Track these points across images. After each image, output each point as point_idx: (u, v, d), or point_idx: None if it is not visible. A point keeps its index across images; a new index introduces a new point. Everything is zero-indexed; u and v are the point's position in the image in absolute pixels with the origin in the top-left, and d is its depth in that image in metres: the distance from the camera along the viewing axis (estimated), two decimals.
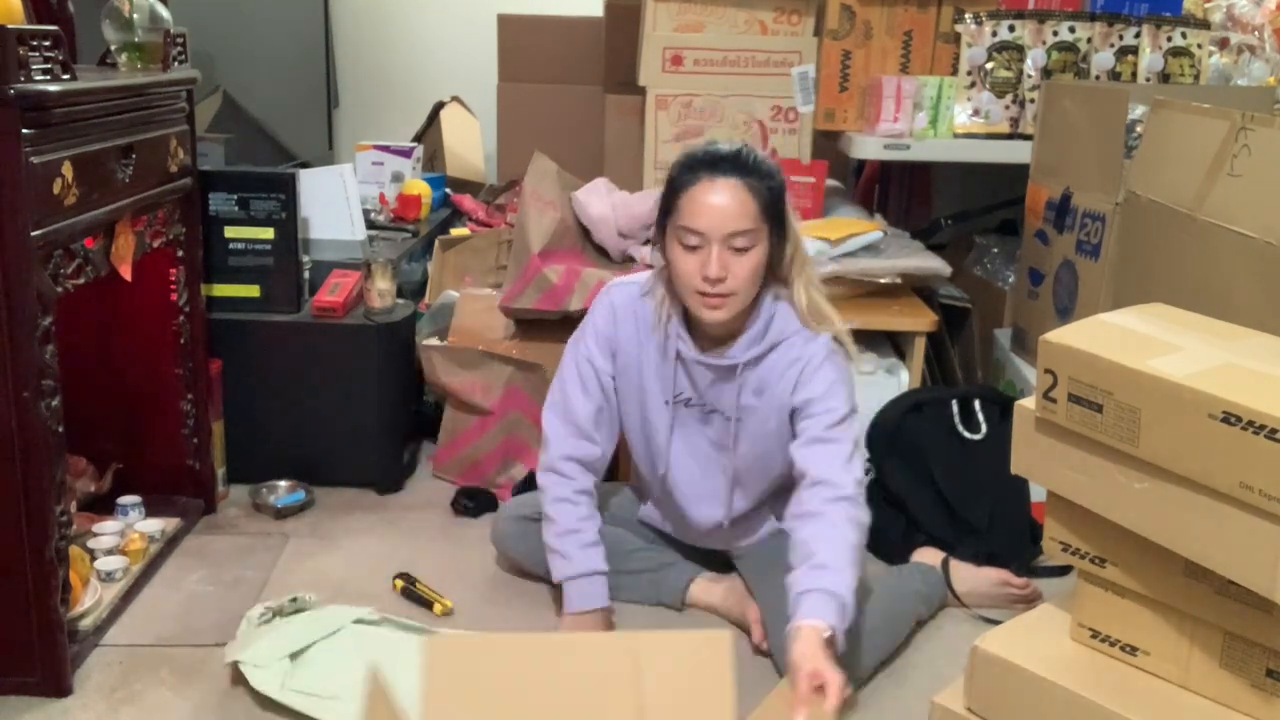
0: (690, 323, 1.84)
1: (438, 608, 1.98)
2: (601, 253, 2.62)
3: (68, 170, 1.65)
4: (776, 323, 1.81)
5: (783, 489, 1.91)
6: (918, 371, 2.45)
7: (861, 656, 1.80)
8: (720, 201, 1.69)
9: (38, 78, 1.57)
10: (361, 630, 1.84)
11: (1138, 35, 2.79)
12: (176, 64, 2.09)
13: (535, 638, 1.16)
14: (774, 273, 1.81)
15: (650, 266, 2.06)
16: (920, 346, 2.42)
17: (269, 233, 2.42)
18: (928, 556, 2.11)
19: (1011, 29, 2.76)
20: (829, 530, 1.66)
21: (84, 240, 1.76)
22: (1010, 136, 2.78)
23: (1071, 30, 2.78)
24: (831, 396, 1.77)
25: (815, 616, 1.54)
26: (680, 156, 1.78)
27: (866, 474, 2.24)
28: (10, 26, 1.53)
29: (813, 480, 1.73)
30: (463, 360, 2.52)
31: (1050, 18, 2.78)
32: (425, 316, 2.70)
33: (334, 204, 2.72)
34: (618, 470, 2.47)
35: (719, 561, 2.06)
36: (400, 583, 2.05)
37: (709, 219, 1.69)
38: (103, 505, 2.22)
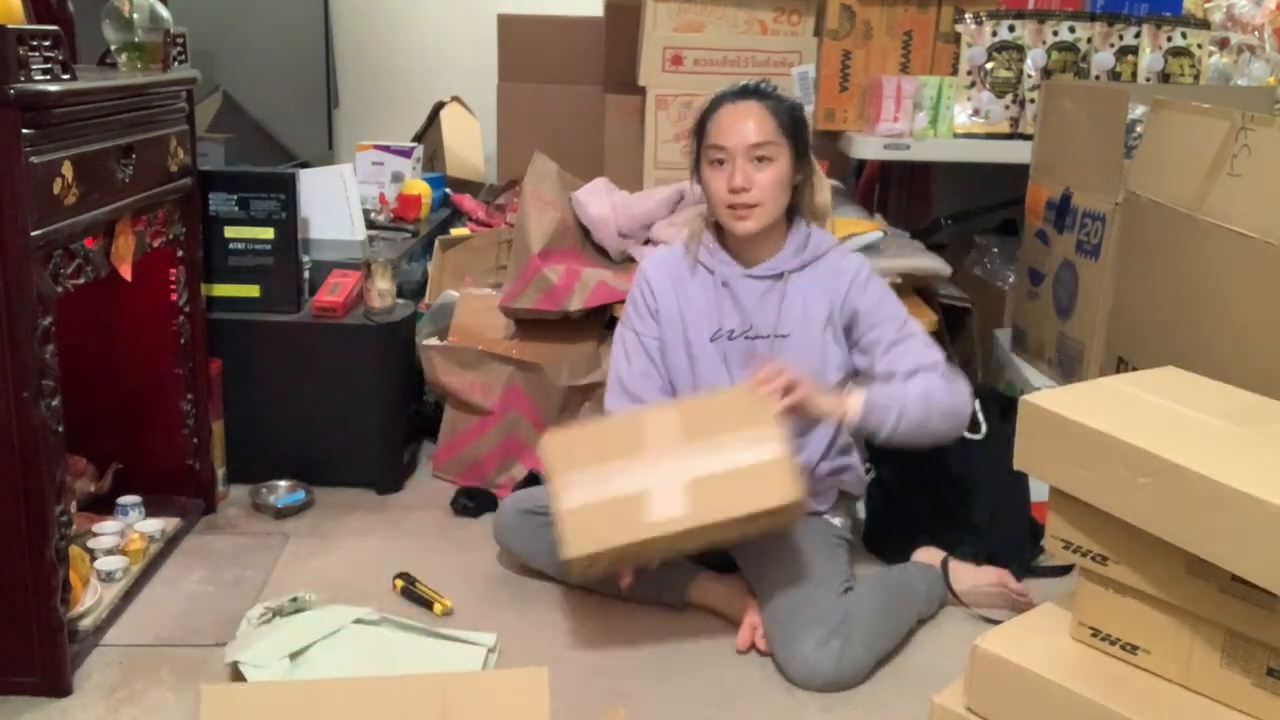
0: (731, 249, 2.00)
1: (437, 607, 1.98)
2: (601, 253, 2.62)
3: (68, 170, 1.65)
4: (815, 238, 1.98)
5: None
6: None
7: (863, 654, 1.81)
8: (741, 117, 1.89)
9: (38, 78, 1.57)
10: (361, 630, 1.84)
11: (1138, 35, 2.79)
12: (176, 64, 2.09)
13: (336, 683, 1.14)
14: (799, 207, 1.98)
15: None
16: None
17: (269, 233, 2.42)
18: (928, 556, 2.11)
19: (1011, 29, 2.77)
20: (913, 379, 1.88)
21: (84, 240, 1.76)
22: (1010, 136, 2.78)
23: (1071, 30, 2.78)
24: (889, 303, 1.96)
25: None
26: (713, 95, 1.97)
27: (867, 473, 2.26)
28: (10, 26, 1.53)
29: (908, 372, 1.89)
30: (463, 360, 2.52)
31: (1050, 18, 2.78)
32: (425, 316, 2.70)
33: (334, 204, 2.72)
34: None
35: (721, 561, 2.06)
36: (400, 583, 2.05)
37: (731, 135, 1.89)
38: (103, 505, 2.22)
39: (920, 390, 1.86)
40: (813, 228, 2.00)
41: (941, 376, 1.89)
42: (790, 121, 1.91)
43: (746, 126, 1.87)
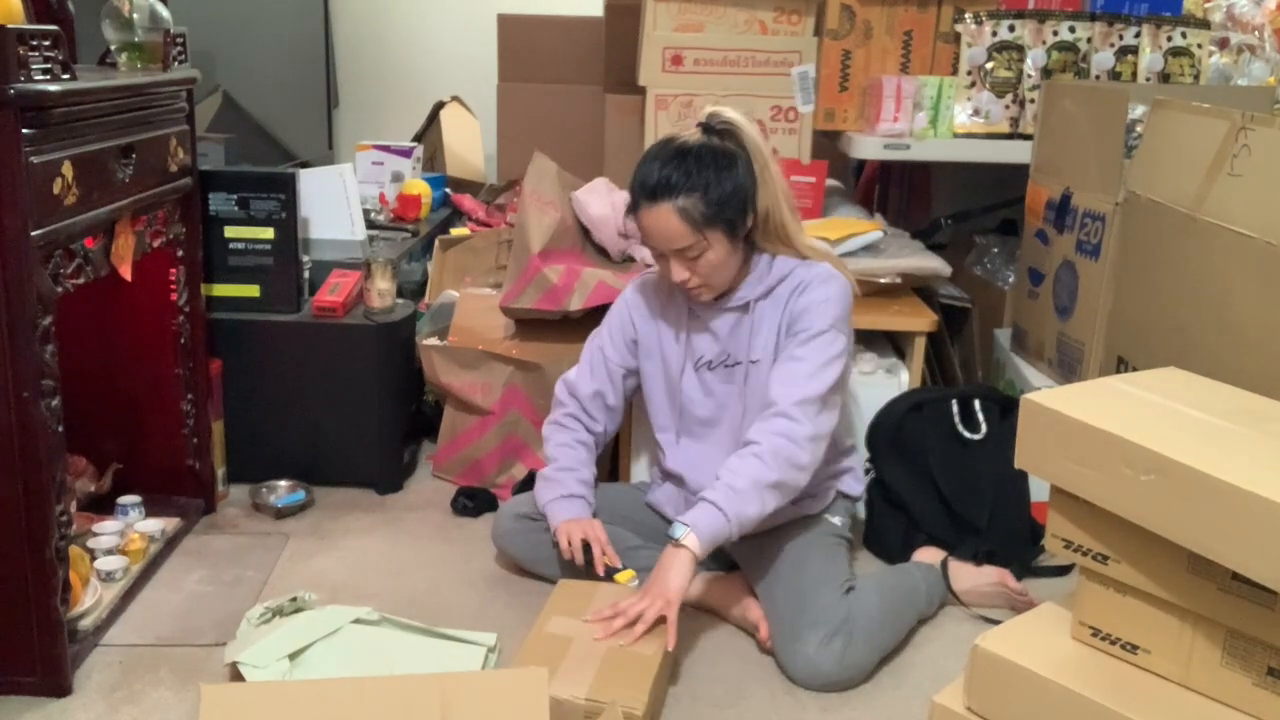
0: None
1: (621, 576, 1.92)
2: (601, 253, 2.62)
3: (68, 170, 1.65)
4: (776, 265, 1.93)
5: None
6: (918, 371, 2.45)
7: (865, 654, 1.81)
8: (656, 228, 1.83)
9: (38, 78, 1.57)
10: (361, 630, 1.84)
11: (1138, 35, 2.79)
12: (176, 64, 2.09)
13: (336, 683, 1.14)
14: (753, 242, 1.91)
15: (650, 265, 2.14)
16: (920, 346, 2.42)
17: (269, 233, 2.42)
18: (928, 556, 2.11)
19: (1011, 29, 2.77)
20: (748, 455, 1.79)
21: (84, 240, 1.76)
22: (1010, 136, 2.78)
23: (1071, 30, 2.78)
24: (812, 314, 1.87)
25: (687, 522, 1.74)
26: (637, 167, 1.87)
27: (867, 474, 2.26)
28: (10, 26, 1.53)
29: (767, 400, 1.85)
30: (463, 360, 2.52)
31: (1050, 18, 2.78)
32: (425, 316, 2.70)
33: (334, 204, 2.72)
34: (619, 470, 2.47)
35: (721, 561, 2.06)
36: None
37: (653, 241, 1.86)
38: (103, 505, 2.22)
39: (749, 480, 1.75)
40: (777, 257, 1.92)
41: (781, 435, 1.78)
42: (711, 207, 1.79)
43: (664, 234, 1.82)
